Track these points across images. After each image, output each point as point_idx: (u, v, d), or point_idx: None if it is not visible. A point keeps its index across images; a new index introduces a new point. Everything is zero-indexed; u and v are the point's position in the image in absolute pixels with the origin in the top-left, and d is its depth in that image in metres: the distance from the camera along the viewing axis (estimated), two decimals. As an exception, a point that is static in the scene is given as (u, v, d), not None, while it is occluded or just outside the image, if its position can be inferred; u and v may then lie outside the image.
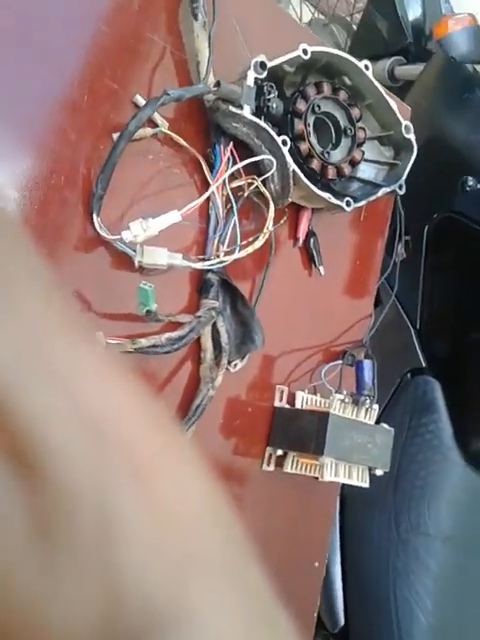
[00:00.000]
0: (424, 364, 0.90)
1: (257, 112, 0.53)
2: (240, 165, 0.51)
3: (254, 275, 0.59)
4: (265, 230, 0.53)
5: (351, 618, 0.83)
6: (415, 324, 0.91)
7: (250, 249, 0.52)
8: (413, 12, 1.08)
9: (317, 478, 0.61)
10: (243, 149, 0.55)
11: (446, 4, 1.06)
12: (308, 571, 0.66)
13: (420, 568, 0.81)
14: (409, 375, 0.90)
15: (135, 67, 0.53)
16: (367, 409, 0.60)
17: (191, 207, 0.48)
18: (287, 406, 0.61)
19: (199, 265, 0.51)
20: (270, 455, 0.61)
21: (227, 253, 0.53)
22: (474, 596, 0.85)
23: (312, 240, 0.63)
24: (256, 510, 0.61)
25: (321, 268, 0.64)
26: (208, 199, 0.54)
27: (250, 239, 0.53)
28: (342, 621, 0.84)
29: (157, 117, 0.51)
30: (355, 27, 1.24)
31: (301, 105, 0.56)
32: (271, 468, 0.61)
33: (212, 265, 0.51)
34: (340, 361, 0.64)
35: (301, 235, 0.62)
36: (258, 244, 0.52)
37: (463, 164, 0.82)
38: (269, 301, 0.60)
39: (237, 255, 0.51)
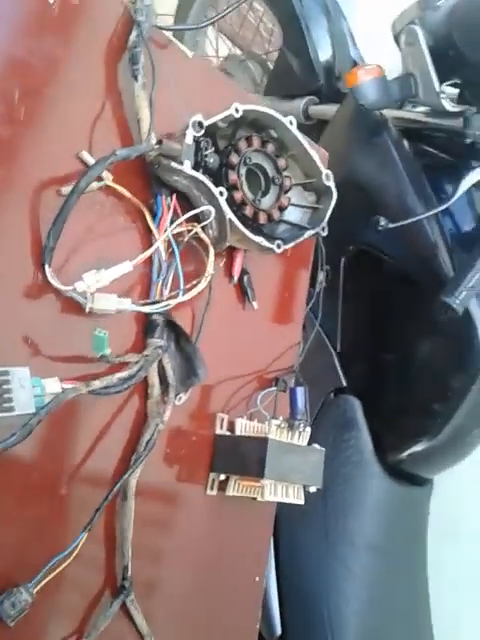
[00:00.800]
0: (345, 384, 0.97)
1: (195, 166, 0.57)
2: (183, 218, 0.55)
3: (194, 313, 0.64)
4: (206, 274, 0.57)
5: (287, 627, 0.88)
6: (336, 347, 0.98)
7: (194, 292, 0.56)
8: (323, 53, 1.16)
9: (256, 499, 0.66)
10: (182, 199, 0.60)
11: (354, 48, 1.15)
12: (249, 586, 0.70)
13: (348, 575, 0.88)
14: (332, 395, 0.97)
15: (78, 123, 0.56)
16: (300, 432, 0.65)
17: (142, 257, 0.51)
18: (228, 433, 0.66)
19: (147, 309, 0.54)
20: (213, 480, 0.65)
21: (171, 297, 0.57)
22: (397, 598, 0.92)
23: (245, 278, 0.68)
24: (201, 532, 0.65)
25: (254, 303, 0.69)
26: (150, 245, 0.58)
27: (193, 282, 0.57)
28: (279, 630, 0.89)
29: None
30: (271, 65, 1.31)
31: (234, 158, 0.61)
32: (214, 492, 0.65)
33: (158, 308, 0.55)
34: (274, 387, 0.70)
35: (236, 274, 0.67)
36: (201, 287, 0.56)
37: (373, 203, 0.91)
38: (208, 336, 0.64)
39: (181, 299, 0.56)
